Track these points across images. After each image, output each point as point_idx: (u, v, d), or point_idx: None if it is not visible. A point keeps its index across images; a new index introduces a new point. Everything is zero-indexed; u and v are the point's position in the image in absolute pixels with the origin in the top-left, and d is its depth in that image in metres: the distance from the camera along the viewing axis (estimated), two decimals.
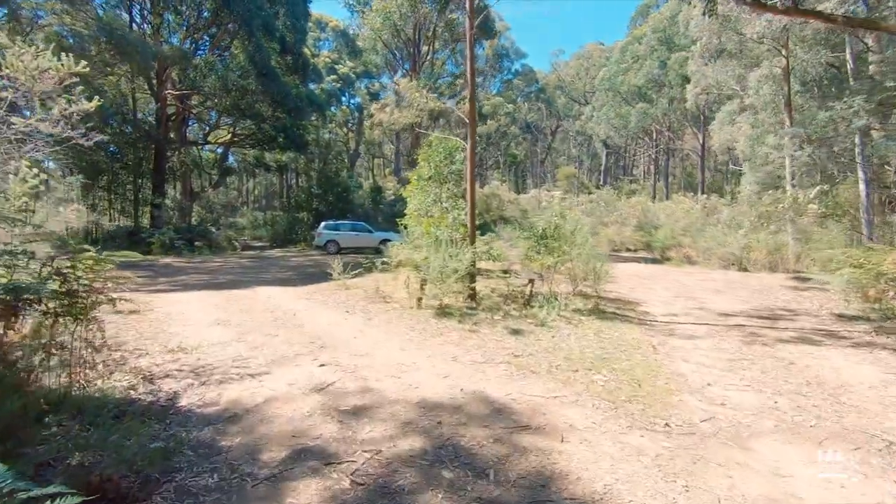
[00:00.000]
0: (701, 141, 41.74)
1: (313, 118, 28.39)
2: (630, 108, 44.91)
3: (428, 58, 23.23)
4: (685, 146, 51.01)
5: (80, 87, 4.91)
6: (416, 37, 22.60)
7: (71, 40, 15.16)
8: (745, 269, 15.98)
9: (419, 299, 7.28)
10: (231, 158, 32.36)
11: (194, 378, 4.07)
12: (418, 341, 5.46)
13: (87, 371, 3.99)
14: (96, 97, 4.65)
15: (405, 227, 9.84)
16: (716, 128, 24.29)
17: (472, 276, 7.36)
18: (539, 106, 55.52)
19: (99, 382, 3.80)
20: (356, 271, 9.89)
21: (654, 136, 51.24)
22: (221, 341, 5.32)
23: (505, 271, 7.75)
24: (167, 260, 16.68)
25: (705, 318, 7.57)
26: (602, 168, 58.47)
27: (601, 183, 51.88)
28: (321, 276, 11.48)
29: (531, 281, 7.42)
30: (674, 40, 42.27)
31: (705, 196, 31.53)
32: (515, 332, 5.98)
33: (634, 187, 47.96)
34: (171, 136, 23.89)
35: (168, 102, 23.02)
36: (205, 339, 5.36)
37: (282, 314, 6.95)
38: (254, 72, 21.92)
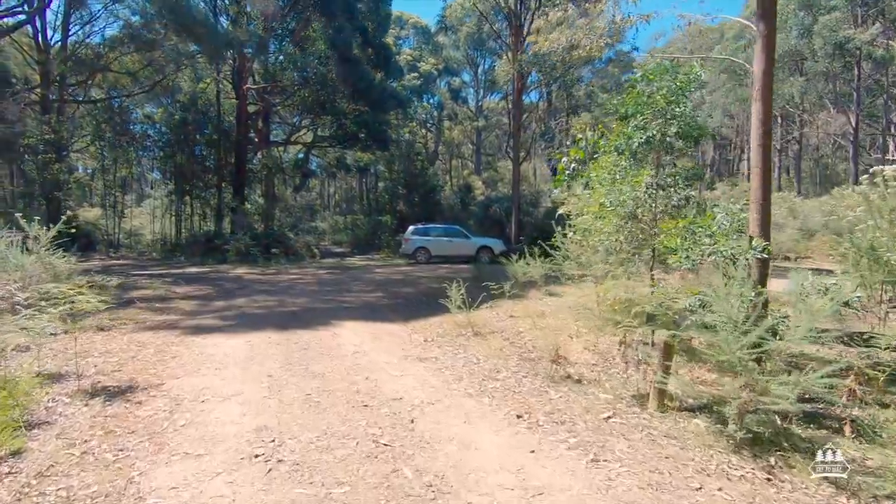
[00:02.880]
0: (854, 123, 33.59)
1: (395, 116, 25.83)
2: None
3: (536, 29, 19.24)
4: (819, 133, 42.27)
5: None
6: (518, 6, 18.87)
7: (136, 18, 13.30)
8: None
9: (662, 392, 3.47)
10: (313, 162, 30.85)
11: None
12: None
13: None
14: None
15: (566, 235, 6.05)
16: None
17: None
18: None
19: None
20: (488, 303, 6.31)
21: (781, 122, 43.01)
22: None
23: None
24: (239, 271, 14.32)
25: None
26: (708, 162, 50.70)
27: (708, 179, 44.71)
28: (422, 301, 8.05)
29: None
30: (820, 1, 34.56)
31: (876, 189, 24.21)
32: None
33: (745, 184, 40.47)
34: (253, 137, 22.26)
35: (248, 101, 21.38)
36: None
37: (387, 418, 3.44)
38: (334, 57, 19.54)
